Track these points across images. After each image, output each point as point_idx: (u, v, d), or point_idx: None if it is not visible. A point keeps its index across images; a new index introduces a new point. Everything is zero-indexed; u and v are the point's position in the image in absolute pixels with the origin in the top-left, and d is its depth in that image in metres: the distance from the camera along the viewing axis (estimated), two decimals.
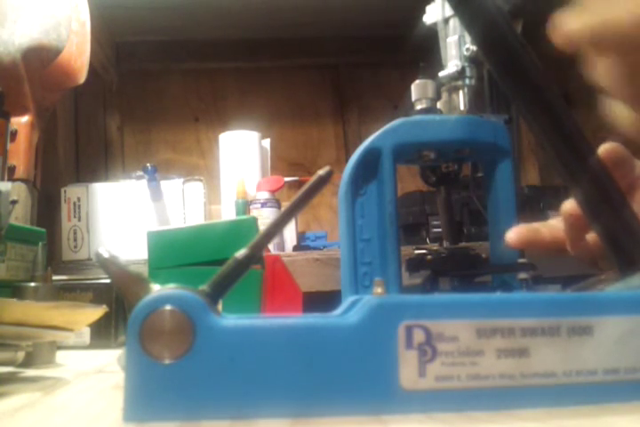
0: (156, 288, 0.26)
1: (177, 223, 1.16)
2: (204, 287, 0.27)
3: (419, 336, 0.25)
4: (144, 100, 1.55)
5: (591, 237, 0.42)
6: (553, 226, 0.45)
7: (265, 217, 1.14)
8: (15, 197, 0.59)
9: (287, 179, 1.26)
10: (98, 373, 0.44)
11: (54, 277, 0.55)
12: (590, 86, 0.38)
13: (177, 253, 0.51)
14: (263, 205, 1.19)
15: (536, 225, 0.45)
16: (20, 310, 0.37)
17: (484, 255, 0.50)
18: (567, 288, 0.39)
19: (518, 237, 0.44)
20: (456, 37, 0.52)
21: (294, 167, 1.53)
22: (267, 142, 1.32)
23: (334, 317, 0.27)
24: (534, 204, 1.14)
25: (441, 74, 0.52)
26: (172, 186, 1.20)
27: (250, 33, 1.52)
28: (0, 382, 0.40)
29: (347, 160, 0.50)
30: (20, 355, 0.45)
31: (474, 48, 0.50)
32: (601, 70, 0.34)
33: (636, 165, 0.43)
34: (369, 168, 0.49)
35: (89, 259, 1.16)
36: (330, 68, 1.60)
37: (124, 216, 1.18)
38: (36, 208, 0.99)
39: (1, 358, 0.44)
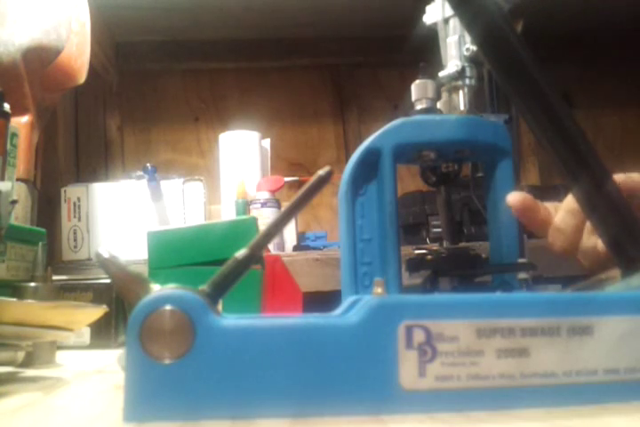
0: (156, 288, 0.26)
1: (177, 223, 1.16)
2: (203, 287, 0.27)
3: (419, 336, 0.25)
4: (144, 100, 1.55)
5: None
6: (547, 208, 0.48)
7: (265, 217, 1.14)
8: (15, 197, 0.59)
9: (287, 179, 1.26)
10: (98, 373, 0.44)
11: (54, 277, 0.55)
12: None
13: (177, 253, 0.51)
14: (263, 205, 1.19)
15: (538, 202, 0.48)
16: (20, 309, 0.37)
17: (483, 255, 0.50)
18: (567, 288, 0.39)
19: (522, 202, 0.46)
20: (456, 37, 0.52)
21: (294, 167, 1.53)
22: (267, 142, 1.32)
23: (334, 317, 0.27)
24: None
25: (441, 74, 0.52)
26: (172, 186, 1.20)
27: (250, 33, 1.53)
28: (0, 382, 0.40)
29: (347, 160, 0.50)
30: (20, 355, 0.45)
31: (474, 48, 0.50)
32: None
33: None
34: (369, 168, 0.49)
35: (89, 259, 1.16)
36: (330, 68, 1.60)
37: (124, 216, 1.18)
38: (35, 208, 0.99)
39: (1, 358, 0.44)
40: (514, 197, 0.47)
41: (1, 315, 0.35)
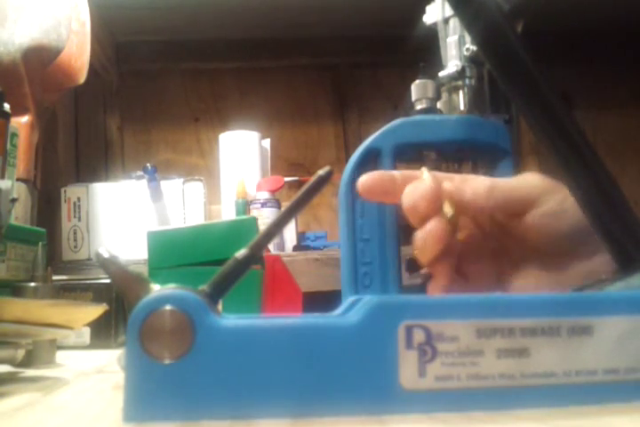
0: (156, 288, 0.26)
1: (177, 223, 1.16)
2: (203, 287, 0.27)
3: (419, 336, 0.25)
4: (144, 100, 1.55)
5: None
6: (411, 177, 0.39)
7: (265, 217, 1.14)
8: (15, 195, 0.59)
9: (287, 179, 1.26)
10: (98, 373, 0.44)
11: (54, 277, 0.55)
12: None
13: (177, 253, 0.51)
14: (263, 205, 1.19)
15: (395, 173, 0.40)
16: (20, 307, 0.36)
17: None
18: (567, 288, 0.39)
19: (370, 187, 0.40)
20: (456, 37, 0.52)
21: (294, 167, 1.53)
22: (267, 142, 1.33)
23: (334, 317, 0.27)
24: None
25: (441, 74, 0.52)
26: (172, 186, 1.20)
27: (250, 33, 1.53)
28: (0, 382, 0.40)
29: (347, 160, 0.50)
30: (20, 353, 0.45)
31: (474, 48, 0.50)
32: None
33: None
34: (369, 168, 0.49)
35: (89, 259, 1.16)
36: (330, 68, 1.60)
37: (123, 216, 1.18)
38: (35, 208, 0.99)
39: (1, 356, 0.44)
40: (360, 184, 0.40)
41: (1, 313, 0.35)
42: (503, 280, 0.40)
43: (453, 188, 0.38)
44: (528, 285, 0.39)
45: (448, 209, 0.37)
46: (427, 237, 0.36)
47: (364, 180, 0.40)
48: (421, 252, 0.37)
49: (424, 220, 0.37)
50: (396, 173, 0.40)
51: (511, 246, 0.40)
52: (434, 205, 0.37)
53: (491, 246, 0.41)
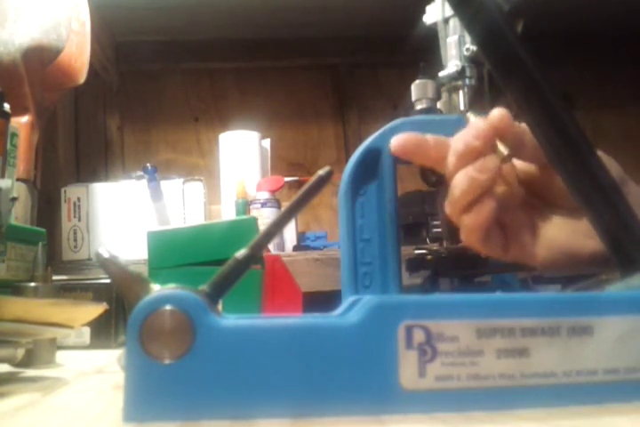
0: (156, 288, 0.26)
1: (177, 223, 1.16)
2: (204, 287, 0.27)
3: (419, 336, 0.25)
4: (144, 100, 1.55)
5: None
6: (444, 142, 0.40)
7: (265, 217, 1.14)
8: (15, 195, 0.59)
9: (287, 179, 1.26)
10: (98, 373, 0.44)
11: (54, 277, 0.55)
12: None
13: (177, 253, 0.51)
14: (263, 205, 1.19)
15: (428, 136, 0.41)
16: (20, 306, 0.36)
17: (483, 255, 0.50)
18: (567, 288, 0.39)
19: (403, 146, 0.41)
20: (456, 37, 0.52)
21: (294, 167, 1.53)
22: (267, 142, 1.33)
23: (334, 317, 0.27)
24: None
25: (441, 74, 0.52)
26: (172, 186, 1.20)
27: (250, 33, 1.53)
28: (0, 382, 0.40)
29: (347, 160, 0.50)
30: (20, 352, 0.45)
31: (474, 48, 0.50)
32: None
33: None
34: (369, 168, 0.49)
35: (89, 259, 1.16)
36: (330, 68, 1.60)
37: (124, 216, 1.18)
38: (35, 208, 0.99)
39: (1, 355, 0.44)
40: (394, 142, 0.41)
41: (1, 312, 0.35)
42: (534, 230, 0.42)
43: (503, 120, 0.38)
44: (558, 234, 0.41)
45: (503, 148, 0.38)
46: (480, 170, 0.38)
47: (398, 139, 0.41)
48: (469, 188, 0.38)
49: (473, 160, 0.38)
50: (429, 136, 0.41)
51: (536, 203, 0.42)
52: (488, 144, 0.38)
53: (519, 202, 0.42)
